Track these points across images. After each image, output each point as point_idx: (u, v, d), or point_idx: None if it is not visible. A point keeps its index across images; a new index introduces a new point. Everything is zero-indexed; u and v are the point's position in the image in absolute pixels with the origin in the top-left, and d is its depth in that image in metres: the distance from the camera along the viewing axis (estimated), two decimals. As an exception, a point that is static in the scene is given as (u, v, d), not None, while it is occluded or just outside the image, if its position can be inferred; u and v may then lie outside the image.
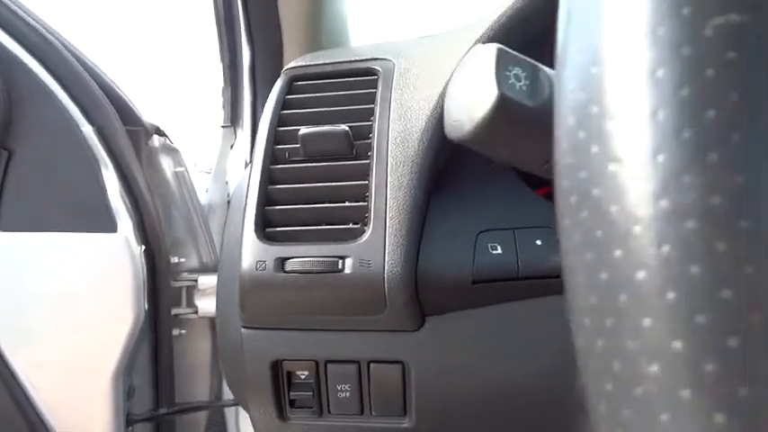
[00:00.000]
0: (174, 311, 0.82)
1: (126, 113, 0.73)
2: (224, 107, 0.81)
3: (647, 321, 0.09)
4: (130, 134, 0.73)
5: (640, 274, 0.09)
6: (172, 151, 0.80)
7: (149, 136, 0.76)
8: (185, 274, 0.83)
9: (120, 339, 0.71)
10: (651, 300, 0.09)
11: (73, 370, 0.71)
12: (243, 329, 0.47)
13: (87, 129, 0.69)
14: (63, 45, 0.70)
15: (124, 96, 0.74)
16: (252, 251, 0.43)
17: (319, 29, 0.69)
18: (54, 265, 0.69)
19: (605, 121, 0.10)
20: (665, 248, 0.09)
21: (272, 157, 0.47)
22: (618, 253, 0.10)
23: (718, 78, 0.10)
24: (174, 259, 0.82)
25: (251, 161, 0.47)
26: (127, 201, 0.72)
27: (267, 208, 0.45)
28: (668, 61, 0.10)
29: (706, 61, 0.10)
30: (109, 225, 0.70)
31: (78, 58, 0.70)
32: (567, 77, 0.11)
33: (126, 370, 0.73)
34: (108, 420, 0.72)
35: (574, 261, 0.11)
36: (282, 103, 0.49)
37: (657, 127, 0.10)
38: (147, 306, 0.74)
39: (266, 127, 0.48)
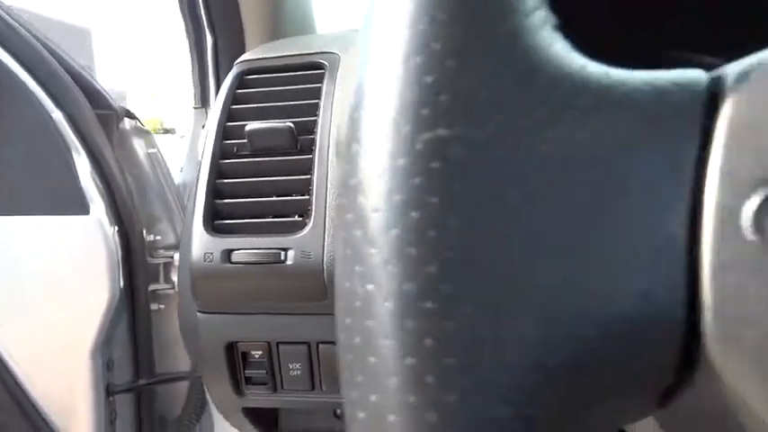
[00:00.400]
0: (152, 287, 0.85)
1: (95, 98, 0.75)
2: (194, 89, 0.83)
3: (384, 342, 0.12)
4: (101, 118, 0.75)
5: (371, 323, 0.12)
6: (143, 133, 0.82)
7: (120, 119, 0.78)
8: (162, 252, 0.86)
9: (97, 315, 0.75)
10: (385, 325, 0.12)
11: (52, 345, 0.75)
12: (198, 314, 0.50)
13: (57, 115, 0.71)
14: (29, 32, 0.71)
15: (93, 81, 0.75)
16: (200, 243, 0.46)
17: (281, 15, 0.70)
18: (28, 247, 0.72)
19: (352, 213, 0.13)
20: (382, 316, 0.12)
21: (220, 151, 0.49)
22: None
23: (423, 185, 0.12)
24: (150, 237, 0.85)
25: (202, 155, 0.50)
26: (99, 183, 0.74)
27: (216, 201, 0.47)
28: (387, 171, 0.13)
29: (414, 170, 0.12)
30: (81, 208, 0.72)
31: (46, 45, 0.72)
32: (341, 166, 0.14)
33: (104, 344, 0.76)
34: (88, 391, 0.76)
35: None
36: (232, 98, 0.51)
37: (373, 222, 0.12)
38: (122, 283, 0.77)
39: (215, 122, 0.50)
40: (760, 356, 0.12)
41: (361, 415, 0.13)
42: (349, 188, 0.13)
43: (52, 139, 0.71)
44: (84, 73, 0.75)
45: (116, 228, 0.75)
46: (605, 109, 0.13)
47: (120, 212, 0.77)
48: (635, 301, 0.13)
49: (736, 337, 0.12)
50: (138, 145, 0.82)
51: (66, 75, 0.72)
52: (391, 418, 0.12)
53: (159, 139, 0.89)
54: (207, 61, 0.74)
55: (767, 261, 0.12)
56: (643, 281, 0.13)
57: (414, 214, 0.12)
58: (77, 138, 0.72)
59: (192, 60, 0.79)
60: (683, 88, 0.14)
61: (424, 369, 0.12)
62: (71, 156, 0.72)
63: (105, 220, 0.74)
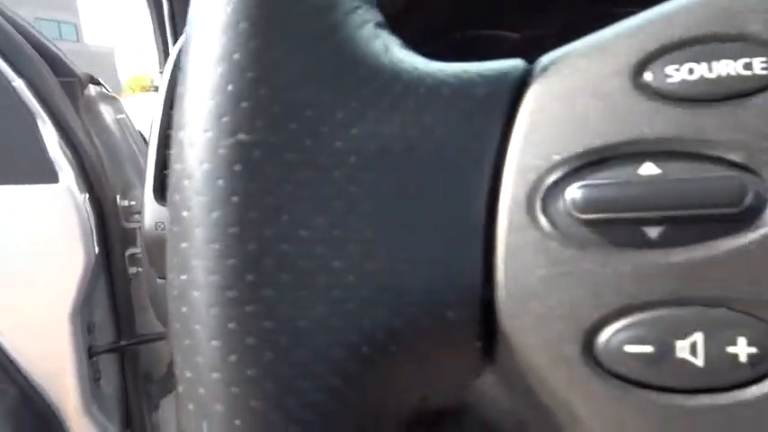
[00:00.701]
0: (130, 251, 0.87)
1: (57, 65, 0.74)
2: (157, 54, 0.82)
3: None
4: (64, 85, 0.75)
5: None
6: (110, 99, 0.82)
7: (84, 86, 0.78)
8: (137, 217, 0.88)
9: (74, 280, 0.76)
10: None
11: (33, 312, 0.77)
12: (158, 280, 0.52)
13: (19, 83, 0.71)
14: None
15: (53, 48, 0.75)
16: (151, 213, 0.47)
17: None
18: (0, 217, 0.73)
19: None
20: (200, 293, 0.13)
21: (168, 121, 0.49)
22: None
23: (225, 185, 0.13)
24: (125, 202, 0.86)
25: (151, 127, 0.50)
26: (67, 151, 0.75)
27: (165, 172, 0.48)
28: (193, 174, 0.14)
29: (218, 173, 0.13)
30: (50, 176, 0.73)
31: (3, 14, 0.71)
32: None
33: (83, 307, 0.79)
34: (70, 353, 0.78)
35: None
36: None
37: (183, 221, 0.14)
38: (97, 249, 0.78)
39: (164, 91, 0.50)
40: (541, 328, 0.13)
41: (187, 374, 0.14)
42: (170, 184, 0.14)
43: (15, 107, 0.71)
44: (42, 39, 0.74)
45: (87, 195, 0.76)
46: (412, 102, 0.14)
47: (90, 179, 0.77)
48: (436, 282, 0.14)
49: (523, 312, 0.14)
50: (106, 111, 0.82)
51: (26, 43, 0.71)
52: (201, 390, 0.13)
53: (150, 96, 0.89)
54: (166, 26, 0.74)
55: (551, 244, 0.13)
56: (443, 264, 0.14)
57: (215, 214, 0.13)
58: (41, 106, 0.73)
59: (153, 25, 0.79)
60: (489, 80, 0.15)
61: (228, 350, 0.13)
62: (36, 124, 0.72)
63: (75, 187, 0.75)
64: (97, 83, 0.79)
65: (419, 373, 0.15)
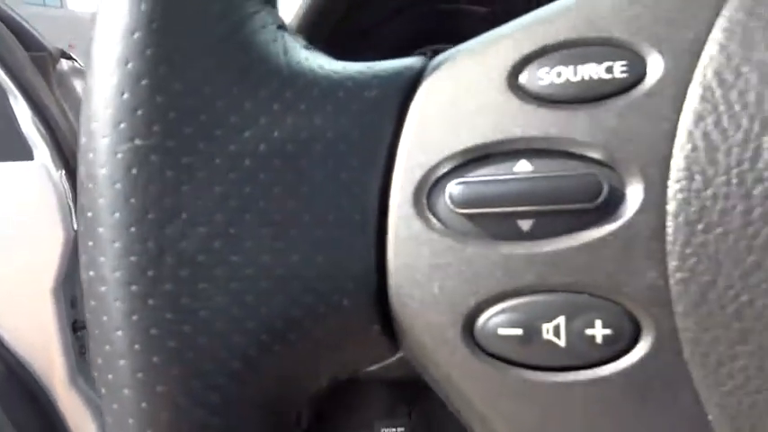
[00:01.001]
0: (110, 225, 0.88)
1: (27, 40, 0.74)
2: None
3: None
4: (35, 60, 0.75)
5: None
6: (83, 73, 0.81)
7: (56, 60, 0.77)
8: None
9: (54, 256, 0.77)
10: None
11: (14, 288, 0.78)
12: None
13: (-12, 59, 0.71)
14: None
15: (23, 23, 0.74)
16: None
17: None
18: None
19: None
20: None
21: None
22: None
23: (123, 188, 0.14)
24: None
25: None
26: (40, 127, 0.75)
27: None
28: (95, 176, 0.14)
29: (116, 177, 0.14)
30: (25, 153, 0.73)
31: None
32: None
33: (65, 282, 0.80)
34: (54, 327, 0.80)
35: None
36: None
37: (88, 220, 0.14)
38: (76, 224, 0.79)
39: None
40: (426, 314, 0.14)
41: (99, 361, 0.15)
42: (77, 186, 0.15)
43: (-15, 85, 0.71)
44: (13, 15, 0.74)
45: (63, 171, 0.77)
46: (305, 104, 0.15)
47: (65, 155, 0.78)
48: (332, 273, 0.15)
49: (411, 299, 0.15)
50: (79, 85, 0.82)
51: (-7, 18, 0.71)
52: (110, 376, 0.15)
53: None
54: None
55: (434, 236, 0.14)
56: (339, 255, 0.15)
57: (116, 215, 0.14)
58: (13, 82, 0.72)
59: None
60: (383, 81, 0.15)
61: (132, 339, 0.14)
62: (7, 100, 0.72)
63: (51, 164, 0.75)
64: (69, 57, 0.79)
65: (323, 356, 0.16)
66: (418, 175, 0.15)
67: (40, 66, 0.75)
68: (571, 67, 0.14)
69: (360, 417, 0.67)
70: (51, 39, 0.79)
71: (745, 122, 0.12)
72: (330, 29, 0.46)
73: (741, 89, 0.12)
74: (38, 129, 0.74)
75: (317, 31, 0.44)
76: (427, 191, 0.15)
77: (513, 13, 0.16)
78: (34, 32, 0.76)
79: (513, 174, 0.14)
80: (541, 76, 0.14)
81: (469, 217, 0.14)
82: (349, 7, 0.48)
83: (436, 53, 0.16)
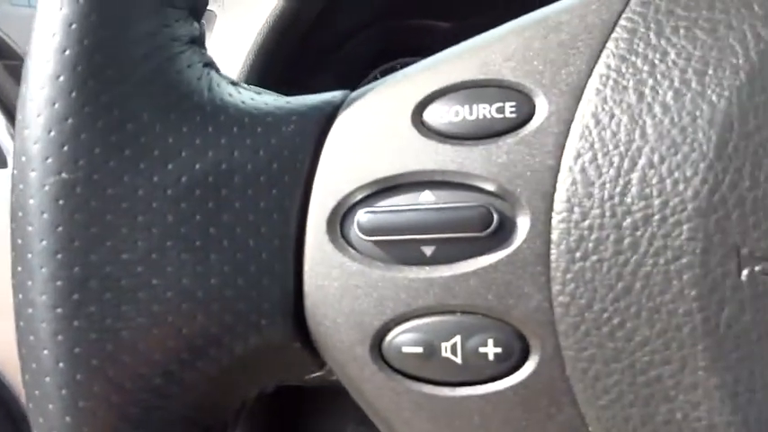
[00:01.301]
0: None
1: (1, 48, 0.74)
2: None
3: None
4: (9, 69, 0.75)
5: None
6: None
7: (31, 69, 0.78)
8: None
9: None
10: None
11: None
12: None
13: (-39, 68, 0.71)
14: None
15: (-4, 31, 0.74)
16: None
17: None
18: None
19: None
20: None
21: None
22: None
23: (50, 218, 0.15)
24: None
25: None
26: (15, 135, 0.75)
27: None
28: (24, 206, 0.15)
29: (43, 207, 0.15)
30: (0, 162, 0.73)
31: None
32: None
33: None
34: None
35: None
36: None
37: (18, 248, 0.15)
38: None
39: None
40: (338, 332, 0.15)
41: (26, 377, 0.16)
42: (10, 213, 0.16)
43: (-42, 93, 0.71)
44: (-14, 23, 0.74)
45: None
46: (225, 139, 0.16)
47: (40, 163, 0.78)
48: (251, 295, 0.16)
49: (325, 319, 0.16)
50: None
51: (-34, 26, 0.71)
52: (37, 392, 0.15)
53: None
54: None
55: (345, 260, 0.15)
56: (257, 279, 0.16)
57: (44, 242, 0.15)
58: (-14, 91, 0.72)
59: None
60: (301, 116, 0.17)
61: (56, 358, 0.15)
62: (-18, 109, 0.72)
63: (25, 171, 0.75)
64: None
65: (246, 370, 0.17)
66: (332, 203, 0.16)
67: (15, 74, 0.76)
68: (467, 107, 0.15)
69: (333, 422, 0.68)
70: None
71: (616, 160, 0.13)
72: (296, 44, 0.47)
73: (614, 130, 0.13)
74: (12, 137, 0.74)
75: (281, 46, 0.45)
76: (340, 218, 0.16)
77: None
78: (8, 40, 0.76)
79: (418, 204, 0.15)
80: (442, 115, 0.15)
81: (377, 243, 0.15)
82: (316, 22, 0.49)
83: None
